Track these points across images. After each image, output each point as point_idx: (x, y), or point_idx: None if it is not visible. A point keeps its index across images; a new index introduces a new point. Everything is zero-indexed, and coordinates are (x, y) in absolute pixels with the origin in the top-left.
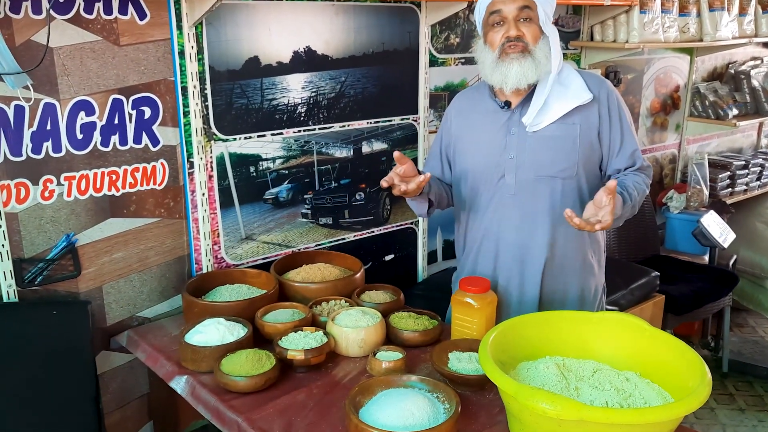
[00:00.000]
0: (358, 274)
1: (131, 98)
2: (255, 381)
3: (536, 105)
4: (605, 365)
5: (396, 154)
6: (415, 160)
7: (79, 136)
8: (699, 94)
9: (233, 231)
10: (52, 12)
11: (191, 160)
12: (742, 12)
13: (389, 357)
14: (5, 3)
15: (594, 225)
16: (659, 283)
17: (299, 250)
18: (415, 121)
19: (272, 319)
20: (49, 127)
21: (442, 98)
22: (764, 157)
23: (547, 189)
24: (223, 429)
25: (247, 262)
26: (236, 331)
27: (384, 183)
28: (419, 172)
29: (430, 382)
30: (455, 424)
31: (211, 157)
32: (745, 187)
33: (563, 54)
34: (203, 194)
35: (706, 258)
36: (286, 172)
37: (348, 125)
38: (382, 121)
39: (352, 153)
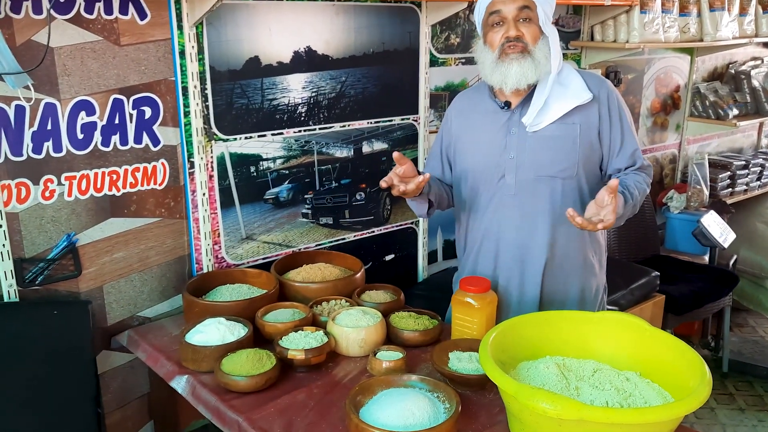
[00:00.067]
0: (359, 274)
1: (132, 98)
2: (255, 381)
3: (536, 105)
4: (605, 365)
5: (395, 154)
6: (415, 160)
7: (80, 136)
8: (699, 94)
9: (234, 231)
10: (52, 12)
11: (192, 160)
12: (743, 12)
13: (389, 357)
14: (6, 3)
15: (596, 224)
16: (659, 283)
17: (300, 249)
18: (416, 121)
19: (273, 318)
20: (49, 127)
21: (442, 98)
22: (764, 157)
23: (548, 189)
24: (224, 429)
25: (248, 262)
26: (237, 331)
27: (383, 183)
28: (419, 173)
29: (431, 382)
30: (455, 423)
31: (211, 157)
32: (745, 187)
33: (563, 54)
34: (204, 194)
35: (707, 258)
36: (287, 172)
37: (348, 125)
38: (383, 121)
39: (352, 153)
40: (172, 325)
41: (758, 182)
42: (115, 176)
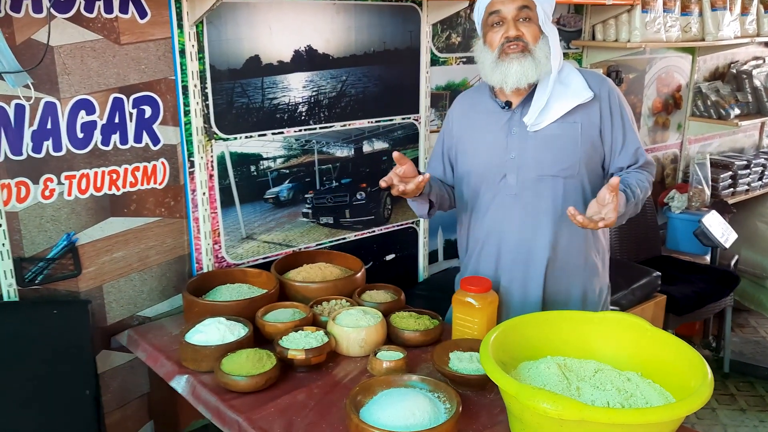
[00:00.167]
0: (359, 274)
1: (132, 97)
2: (255, 380)
3: (538, 105)
4: (606, 365)
5: (395, 154)
6: (416, 160)
7: (80, 135)
8: (701, 93)
9: (234, 230)
10: (52, 11)
11: (192, 159)
12: (744, 11)
13: (390, 357)
14: (6, 1)
15: (597, 222)
16: (660, 283)
17: (300, 249)
18: (417, 120)
19: (273, 318)
20: (49, 126)
21: (443, 97)
22: (766, 157)
23: (549, 188)
24: (224, 428)
25: (248, 262)
26: (237, 331)
27: (383, 183)
28: (419, 173)
29: (431, 382)
30: (456, 424)
31: (211, 156)
32: (746, 187)
33: (565, 53)
34: (204, 193)
35: (708, 258)
36: (287, 171)
37: (349, 124)
38: (383, 121)
39: (353, 152)
40: (172, 325)
41: (760, 182)
42: (115, 175)
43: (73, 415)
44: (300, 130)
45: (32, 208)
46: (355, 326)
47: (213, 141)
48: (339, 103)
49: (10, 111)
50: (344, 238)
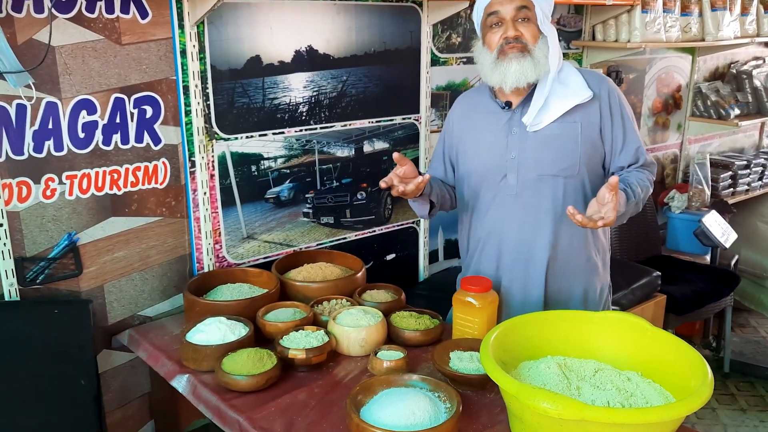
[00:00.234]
0: (360, 274)
1: (133, 97)
2: (256, 380)
3: (536, 104)
4: (607, 365)
5: (396, 155)
6: (416, 160)
7: (81, 135)
8: (701, 93)
9: (235, 230)
10: (54, 11)
11: (193, 159)
12: (744, 12)
13: (390, 356)
14: (7, 2)
15: (596, 221)
16: (661, 283)
17: (300, 249)
18: (417, 120)
19: (273, 318)
20: (50, 126)
21: (443, 98)
22: (766, 157)
23: (549, 188)
24: (225, 428)
25: (249, 262)
26: (237, 330)
27: (383, 184)
28: (420, 173)
29: (432, 382)
30: (456, 423)
31: (212, 156)
32: (746, 187)
33: (565, 54)
34: (205, 193)
35: (708, 258)
36: (288, 171)
37: (349, 124)
38: (384, 121)
39: (353, 152)
40: (173, 325)
41: (760, 182)
42: (116, 175)
43: (74, 415)
44: (301, 130)
45: (33, 207)
46: (355, 326)
47: (214, 141)
48: (339, 103)
49: (12, 111)
50: (345, 238)
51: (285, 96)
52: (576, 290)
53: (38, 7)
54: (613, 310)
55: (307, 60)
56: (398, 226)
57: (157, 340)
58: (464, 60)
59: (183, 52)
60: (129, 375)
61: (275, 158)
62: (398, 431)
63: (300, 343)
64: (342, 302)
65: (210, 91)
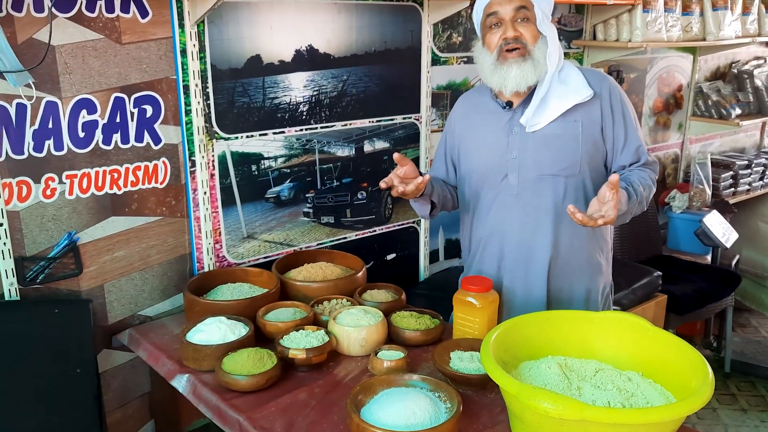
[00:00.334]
0: (360, 273)
1: (133, 96)
2: (256, 380)
3: (533, 105)
4: (607, 365)
5: (396, 155)
6: (417, 159)
7: (81, 135)
8: (702, 93)
9: (235, 230)
10: (54, 10)
11: (193, 158)
12: (746, 11)
13: (391, 356)
14: (7, 1)
15: (597, 220)
16: (661, 282)
17: (301, 249)
18: (417, 120)
19: (274, 318)
20: (50, 126)
21: (444, 97)
22: (767, 156)
23: (550, 188)
24: (225, 428)
25: (249, 261)
26: (237, 330)
27: (383, 184)
28: (420, 174)
29: (432, 382)
30: (457, 423)
31: (212, 155)
32: (747, 186)
33: (566, 53)
34: (205, 193)
35: (709, 258)
36: (288, 170)
37: (350, 124)
38: (384, 120)
39: (354, 152)
40: (173, 324)
41: (761, 182)
42: (116, 175)
43: (74, 415)
44: (301, 130)
45: (33, 207)
46: (355, 326)
47: (214, 140)
48: (340, 102)
49: (12, 110)
50: (345, 238)
51: (285, 95)
52: (579, 290)
53: (38, 6)
54: (614, 309)
55: (308, 59)
56: (399, 225)
57: (157, 339)
58: (465, 59)
59: (183, 52)
60: (129, 375)
61: (275, 158)
62: (398, 431)
63: (300, 342)
64: (342, 302)
65: (210, 90)
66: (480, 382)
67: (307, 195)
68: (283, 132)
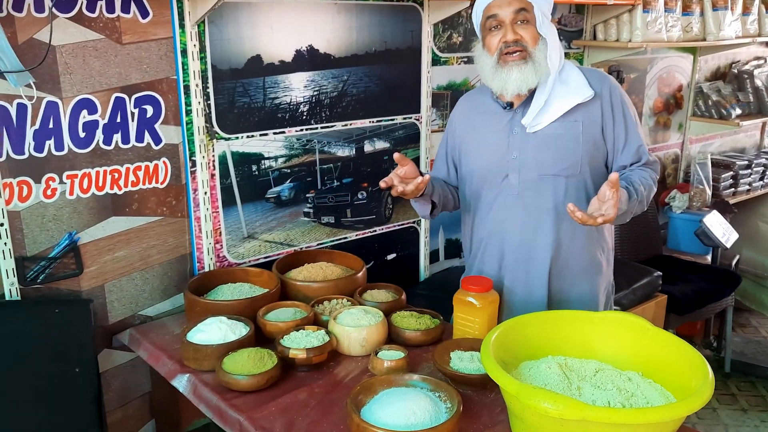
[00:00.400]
0: (360, 273)
1: (133, 97)
2: (257, 380)
3: (536, 106)
4: (607, 365)
5: (396, 155)
6: (417, 159)
7: (82, 135)
8: (702, 93)
9: (235, 230)
10: (54, 10)
11: (193, 158)
12: (746, 11)
13: (391, 356)
14: (8, 1)
15: (596, 219)
16: (662, 282)
17: (301, 248)
18: (418, 120)
19: (274, 318)
20: (51, 126)
21: (444, 97)
22: (767, 157)
23: (551, 188)
24: (225, 427)
25: (249, 261)
26: (238, 330)
27: (383, 184)
28: (420, 174)
29: (432, 382)
30: (457, 423)
31: (213, 155)
32: (748, 187)
33: (566, 53)
34: (205, 193)
35: (709, 258)
36: (289, 170)
37: (350, 124)
38: (385, 120)
39: (354, 152)
40: (174, 324)
41: (761, 182)
42: (116, 175)
43: (75, 415)
44: (301, 130)
45: (34, 207)
46: (356, 325)
47: (214, 140)
48: (340, 102)
49: (12, 110)
50: (345, 238)
51: (286, 95)
52: (580, 290)
53: (39, 6)
54: (614, 309)
55: (308, 59)
56: (399, 225)
57: (157, 339)
58: (465, 59)
59: (184, 52)
60: (129, 374)
61: (276, 158)
62: (399, 431)
63: (300, 342)
64: (343, 302)
65: (211, 90)
66: (480, 382)
67: (307, 195)
68: (284, 132)
